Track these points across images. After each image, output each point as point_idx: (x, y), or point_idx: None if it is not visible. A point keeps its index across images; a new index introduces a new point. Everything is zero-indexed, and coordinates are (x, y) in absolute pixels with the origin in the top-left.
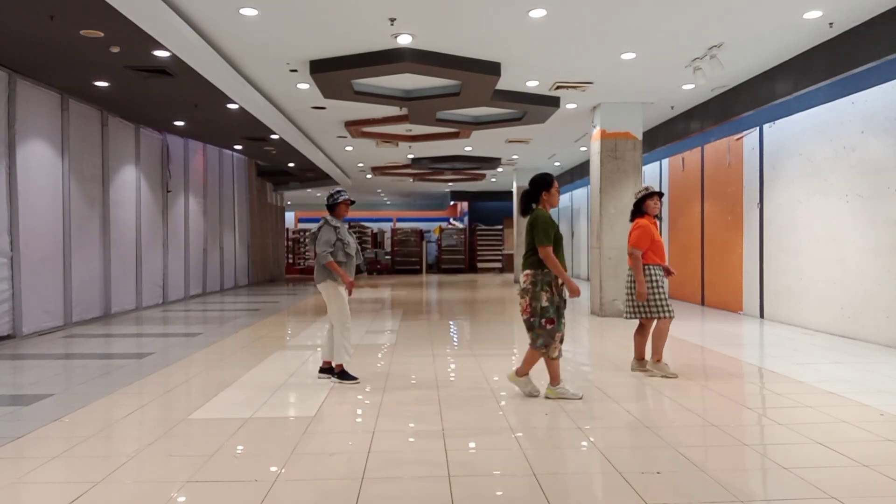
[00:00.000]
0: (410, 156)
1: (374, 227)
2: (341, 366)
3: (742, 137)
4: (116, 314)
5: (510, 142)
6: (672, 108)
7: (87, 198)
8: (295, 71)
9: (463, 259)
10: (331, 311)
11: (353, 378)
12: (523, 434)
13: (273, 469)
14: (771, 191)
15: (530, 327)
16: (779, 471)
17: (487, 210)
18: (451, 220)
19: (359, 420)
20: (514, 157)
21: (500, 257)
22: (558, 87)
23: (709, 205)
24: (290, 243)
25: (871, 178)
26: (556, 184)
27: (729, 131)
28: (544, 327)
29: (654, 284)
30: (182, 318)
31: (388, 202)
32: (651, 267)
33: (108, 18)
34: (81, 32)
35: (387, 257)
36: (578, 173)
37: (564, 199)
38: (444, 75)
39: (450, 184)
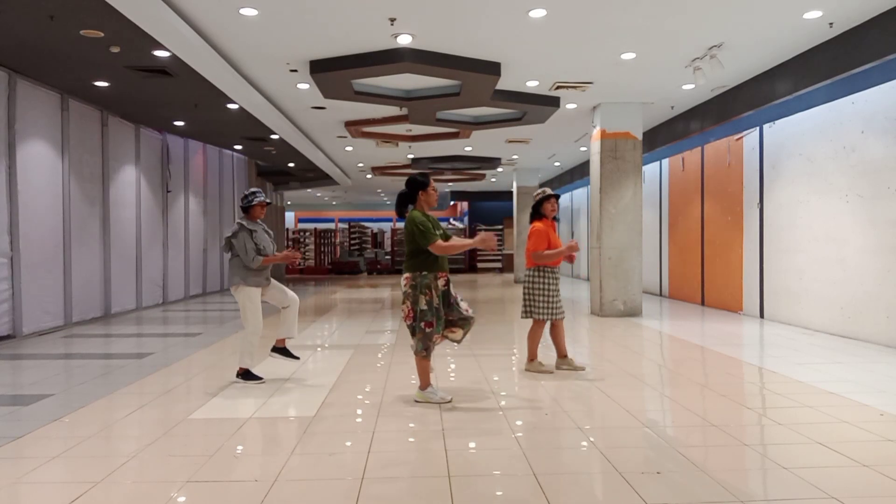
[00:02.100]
0: (410, 156)
1: (374, 227)
2: (244, 369)
3: (742, 137)
4: (116, 314)
5: (510, 142)
6: (672, 108)
7: (87, 198)
8: (295, 71)
9: (463, 259)
10: (243, 315)
11: (258, 378)
12: (523, 434)
13: (273, 469)
14: (771, 191)
15: (413, 332)
16: (779, 471)
17: (487, 210)
18: (451, 220)
19: (359, 420)
20: (514, 157)
21: (499, 257)
22: (558, 87)
23: (709, 205)
24: (290, 243)
25: (871, 178)
26: (432, 183)
27: (729, 131)
28: (423, 330)
29: (546, 287)
30: (182, 318)
31: (388, 202)
32: (544, 269)
33: (108, 18)
34: (81, 32)
35: (387, 257)
36: (578, 173)
37: (564, 199)
38: (444, 75)
39: (450, 184)
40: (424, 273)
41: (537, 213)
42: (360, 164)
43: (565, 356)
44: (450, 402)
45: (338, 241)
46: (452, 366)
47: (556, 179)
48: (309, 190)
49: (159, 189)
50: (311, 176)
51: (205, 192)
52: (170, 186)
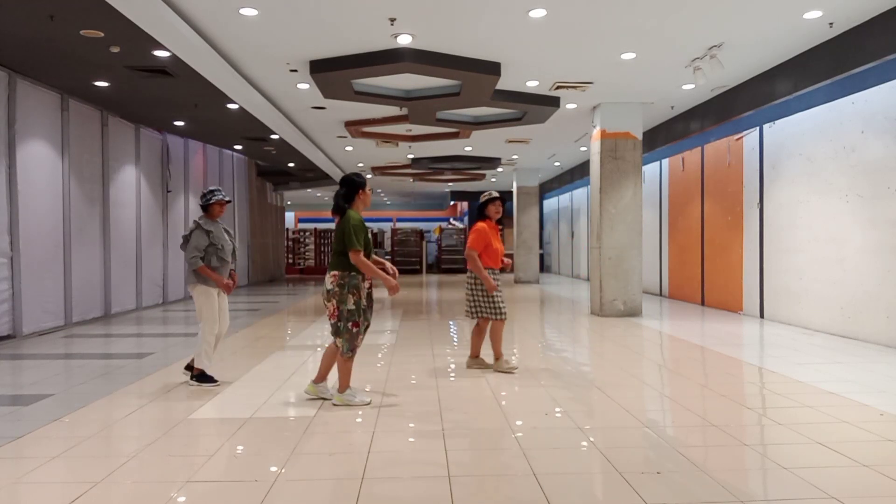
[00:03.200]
0: (410, 156)
1: (374, 227)
2: (201, 370)
3: (742, 137)
4: (116, 314)
5: (510, 142)
6: (672, 108)
7: (87, 198)
8: (295, 71)
9: (463, 259)
10: (199, 314)
11: (214, 381)
12: (523, 434)
13: (273, 469)
14: (771, 191)
15: (337, 332)
16: (779, 471)
17: None
18: (451, 220)
19: (359, 420)
20: (514, 157)
21: None
22: (558, 87)
23: (709, 205)
24: (290, 243)
25: (871, 178)
26: (368, 183)
27: (729, 131)
28: (350, 331)
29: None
30: (182, 318)
31: (388, 202)
32: (485, 270)
33: (108, 18)
34: (81, 32)
35: (387, 257)
36: (578, 173)
37: (564, 199)
38: (444, 75)
39: (450, 184)
40: (353, 273)
41: (482, 214)
42: (360, 164)
43: (479, 357)
44: (369, 403)
45: None
46: (452, 366)
47: (555, 179)
48: (309, 190)
49: (159, 189)
50: (311, 176)
51: None
52: (170, 186)
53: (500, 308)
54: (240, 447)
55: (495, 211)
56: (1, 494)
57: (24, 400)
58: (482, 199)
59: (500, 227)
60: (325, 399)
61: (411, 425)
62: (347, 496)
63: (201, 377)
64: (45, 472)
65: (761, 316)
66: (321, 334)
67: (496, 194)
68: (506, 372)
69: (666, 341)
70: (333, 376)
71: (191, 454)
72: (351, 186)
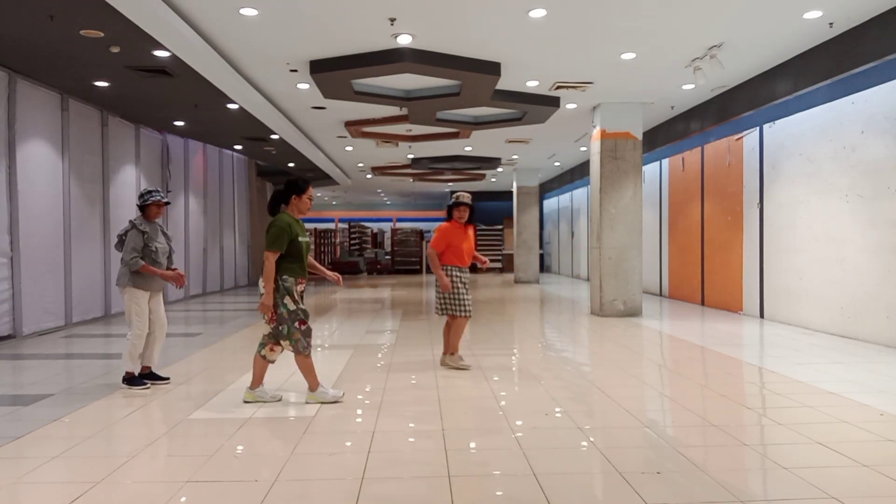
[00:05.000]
0: (410, 156)
1: (374, 227)
2: (130, 374)
3: (742, 137)
4: (116, 314)
5: (510, 142)
6: (672, 108)
7: (87, 198)
8: (295, 71)
9: None
10: (128, 316)
11: (143, 383)
12: (523, 434)
13: (273, 469)
14: (771, 191)
15: (280, 336)
16: (779, 471)
17: (487, 210)
18: None
19: (359, 420)
20: (514, 157)
21: (499, 257)
22: (558, 87)
23: (709, 205)
24: None
25: (871, 178)
26: (310, 191)
27: (729, 131)
28: (299, 329)
29: (457, 284)
30: (182, 318)
31: (388, 202)
32: (449, 268)
33: (108, 18)
34: (81, 32)
35: (387, 257)
36: (578, 173)
37: (564, 199)
38: (444, 75)
39: (450, 184)
40: (286, 277)
41: (449, 215)
42: (360, 164)
43: (454, 353)
44: (279, 400)
45: (338, 241)
46: None
47: (556, 179)
48: None
49: (159, 189)
50: (311, 176)
51: (205, 192)
52: (170, 186)
53: (464, 305)
54: (240, 447)
55: (458, 216)
56: (1, 494)
57: (24, 400)
58: (451, 199)
59: (476, 225)
60: (265, 402)
61: (411, 425)
62: (347, 496)
63: (131, 380)
64: (45, 472)
65: (761, 316)
66: (321, 335)
67: (466, 199)
68: (458, 368)
69: (666, 341)
70: (271, 376)
71: (191, 454)
72: (287, 189)
